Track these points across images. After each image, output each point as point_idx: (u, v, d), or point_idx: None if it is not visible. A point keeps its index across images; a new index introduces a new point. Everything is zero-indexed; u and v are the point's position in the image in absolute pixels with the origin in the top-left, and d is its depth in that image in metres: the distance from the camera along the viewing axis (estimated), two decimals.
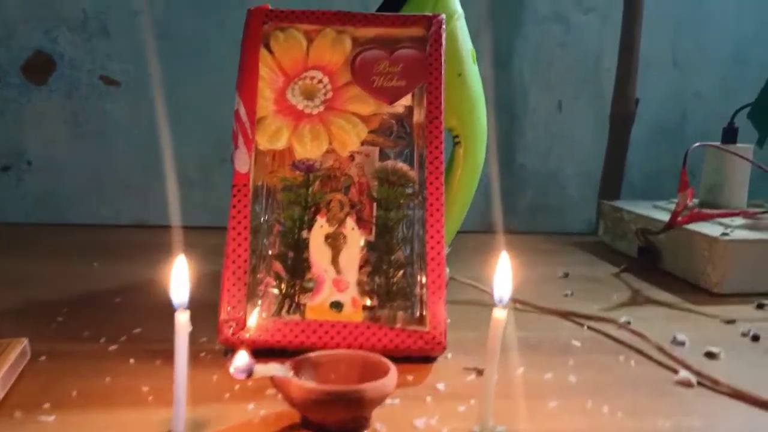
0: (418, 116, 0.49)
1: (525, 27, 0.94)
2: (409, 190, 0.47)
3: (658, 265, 0.69)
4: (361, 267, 0.45)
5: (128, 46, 0.89)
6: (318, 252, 0.43)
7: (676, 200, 0.78)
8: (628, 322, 0.51)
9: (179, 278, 0.30)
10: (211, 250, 0.57)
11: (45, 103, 0.89)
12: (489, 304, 0.56)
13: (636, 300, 0.59)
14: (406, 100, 0.48)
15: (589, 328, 0.51)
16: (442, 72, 0.47)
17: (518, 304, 0.56)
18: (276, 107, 0.47)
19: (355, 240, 0.44)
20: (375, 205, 0.47)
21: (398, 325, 0.42)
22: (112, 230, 0.85)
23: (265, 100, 0.47)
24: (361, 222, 0.47)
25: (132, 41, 0.89)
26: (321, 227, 0.44)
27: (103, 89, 0.90)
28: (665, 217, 0.72)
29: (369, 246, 0.47)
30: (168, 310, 0.31)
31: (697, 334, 0.50)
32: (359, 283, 0.44)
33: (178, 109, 0.90)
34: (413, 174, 0.47)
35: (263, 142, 0.46)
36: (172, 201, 0.92)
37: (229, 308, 0.41)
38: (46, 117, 0.90)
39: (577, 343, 0.47)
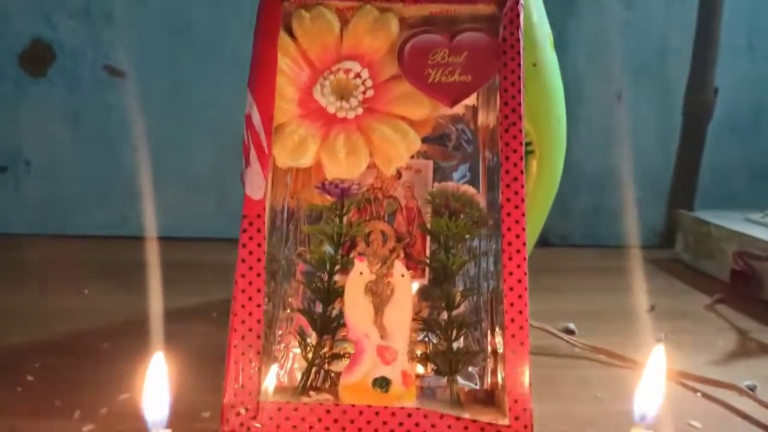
0: (485, 119, 0.38)
1: (579, 6, 0.81)
2: (473, 223, 0.35)
3: (756, 294, 0.57)
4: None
5: (135, 34, 0.79)
6: (355, 309, 0.32)
7: None
8: (754, 387, 0.40)
9: (156, 388, 0.19)
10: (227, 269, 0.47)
11: (44, 98, 0.80)
12: (566, 356, 0.45)
13: (747, 348, 0.47)
14: (469, 99, 0.37)
15: (703, 395, 0.39)
16: (521, 63, 0.35)
17: (614, 358, 0.44)
18: (300, 110, 0.36)
19: (406, 291, 0.32)
20: (429, 239, 0.36)
21: (466, 415, 0.31)
22: (115, 243, 0.75)
23: (286, 102, 0.35)
24: (410, 261, 0.36)
25: (139, 29, 0.78)
26: (360, 274, 0.32)
27: (107, 81, 0.80)
28: (766, 233, 0.60)
29: (422, 294, 0.36)
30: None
31: None
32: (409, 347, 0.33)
33: (189, 103, 0.80)
34: (481, 200, 0.36)
35: (283, 158, 0.35)
36: (182, 207, 0.82)
37: (237, 386, 0.31)
38: (45, 113, 0.80)
39: (697, 425, 0.36)
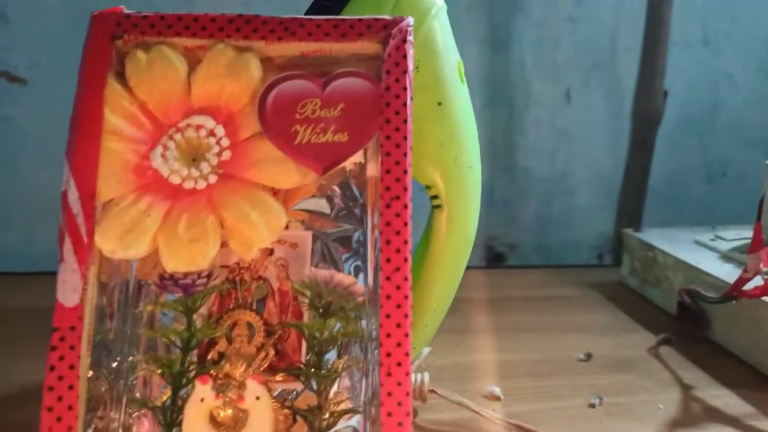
0: (375, 172, 0.31)
1: (526, 1, 0.75)
2: (355, 316, 0.29)
3: (703, 333, 0.53)
4: None
5: (34, 34, 0.69)
6: None
7: (720, 235, 0.61)
8: None
9: None
10: None
11: None
12: None
13: (689, 413, 0.42)
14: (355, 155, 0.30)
15: None
16: (408, 118, 0.29)
17: None
18: (137, 181, 0.28)
19: (263, 418, 0.26)
20: (304, 341, 0.30)
21: None
22: (17, 282, 0.65)
23: (117, 171, 0.28)
24: (282, 361, 0.30)
25: (38, 27, 0.69)
26: (201, 401, 0.26)
27: (5, 88, 0.71)
28: (714, 264, 0.55)
29: (295, 405, 0.29)
30: None
31: None
32: None
33: None
34: (360, 290, 0.29)
35: (109, 246, 0.28)
36: None
37: None
38: None
39: None
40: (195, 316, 0.29)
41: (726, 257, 0.56)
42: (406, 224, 0.27)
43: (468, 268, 0.40)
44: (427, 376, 0.40)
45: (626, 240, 0.66)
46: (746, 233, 0.54)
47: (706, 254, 0.57)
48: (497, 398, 0.43)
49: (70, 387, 0.25)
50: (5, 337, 0.51)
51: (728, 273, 0.51)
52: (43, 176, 0.72)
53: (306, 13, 0.35)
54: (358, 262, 0.31)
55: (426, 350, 0.44)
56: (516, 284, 0.66)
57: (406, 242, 0.27)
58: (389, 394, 0.26)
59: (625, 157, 0.77)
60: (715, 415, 0.42)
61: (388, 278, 0.27)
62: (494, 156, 0.78)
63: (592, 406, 0.43)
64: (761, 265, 0.44)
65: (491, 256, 0.81)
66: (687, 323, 0.53)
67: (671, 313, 0.57)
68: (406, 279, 0.27)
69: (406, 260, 0.27)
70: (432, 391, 0.40)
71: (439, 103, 0.35)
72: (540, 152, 0.80)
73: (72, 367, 0.25)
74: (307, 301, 0.30)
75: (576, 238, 0.82)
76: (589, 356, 0.50)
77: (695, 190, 0.83)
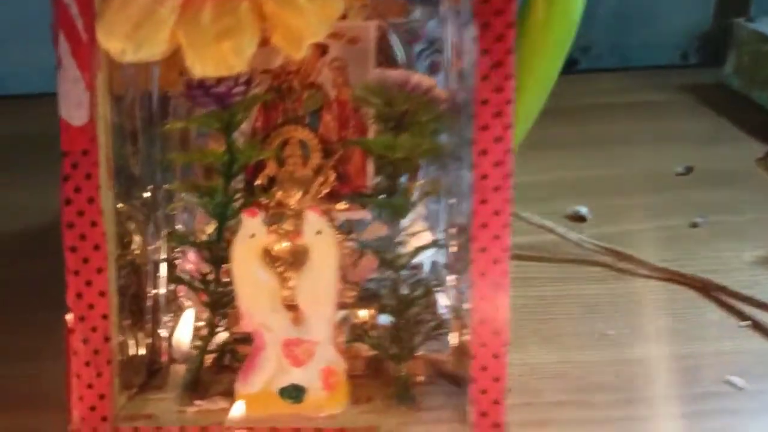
0: None
1: None
2: (434, 130, 0.23)
3: None
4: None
5: None
6: (248, 288, 0.21)
7: None
8: None
9: None
10: None
11: None
12: (569, 260, 0.34)
13: None
14: None
15: (752, 325, 0.30)
16: None
17: (634, 264, 0.34)
18: None
19: (327, 255, 0.21)
20: (371, 160, 0.24)
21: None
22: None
23: None
24: (345, 185, 0.24)
25: None
26: (252, 237, 0.21)
27: None
28: None
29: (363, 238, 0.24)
30: None
31: None
32: (343, 325, 0.23)
33: None
34: (442, 95, 0.23)
35: (117, 45, 0.21)
36: None
37: (85, 409, 0.21)
38: None
39: (738, 382, 0.26)
40: (236, 135, 0.23)
41: None
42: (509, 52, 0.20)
43: None
44: None
45: (735, 31, 0.56)
46: None
47: None
48: (583, 219, 0.38)
49: (93, 224, 0.21)
50: None
51: None
52: None
53: None
54: (435, 57, 0.24)
55: None
56: (592, 90, 0.58)
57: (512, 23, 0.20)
58: (483, 249, 0.20)
59: None
60: None
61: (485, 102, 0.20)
62: None
63: (694, 225, 0.37)
64: None
65: None
66: None
67: None
68: (508, 102, 0.20)
69: (511, 52, 0.20)
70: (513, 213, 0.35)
71: None
72: None
73: (91, 200, 0.21)
74: (374, 111, 0.23)
75: (657, 37, 0.71)
76: (689, 170, 0.43)
77: None
